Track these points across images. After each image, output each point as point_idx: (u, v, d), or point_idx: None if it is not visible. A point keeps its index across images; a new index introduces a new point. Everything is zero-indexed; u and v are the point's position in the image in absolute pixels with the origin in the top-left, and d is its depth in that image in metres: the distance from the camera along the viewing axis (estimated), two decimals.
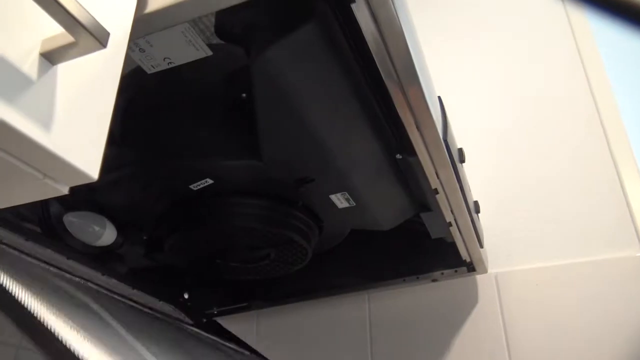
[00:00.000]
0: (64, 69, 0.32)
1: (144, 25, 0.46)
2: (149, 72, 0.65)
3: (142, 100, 0.73)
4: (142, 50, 0.60)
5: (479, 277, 0.99)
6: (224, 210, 0.77)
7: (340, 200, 0.78)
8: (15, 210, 0.74)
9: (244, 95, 0.68)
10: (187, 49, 0.60)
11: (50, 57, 0.30)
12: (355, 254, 0.99)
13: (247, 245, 0.84)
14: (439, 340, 0.98)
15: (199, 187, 0.74)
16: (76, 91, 0.32)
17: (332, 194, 0.77)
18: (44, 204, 0.78)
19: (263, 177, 0.73)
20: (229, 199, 0.76)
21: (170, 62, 0.64)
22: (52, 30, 0.31)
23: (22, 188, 0.33)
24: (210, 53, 0.60)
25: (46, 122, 0.30)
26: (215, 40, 0.65)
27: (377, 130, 0.66)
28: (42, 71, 0.30)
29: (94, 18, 0.29)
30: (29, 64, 0.29)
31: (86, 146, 0.33)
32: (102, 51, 0.31)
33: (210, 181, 0.73)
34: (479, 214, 0.86)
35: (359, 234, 0.92)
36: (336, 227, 0.87)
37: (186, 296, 1.07)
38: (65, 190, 0.34)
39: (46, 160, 0.31)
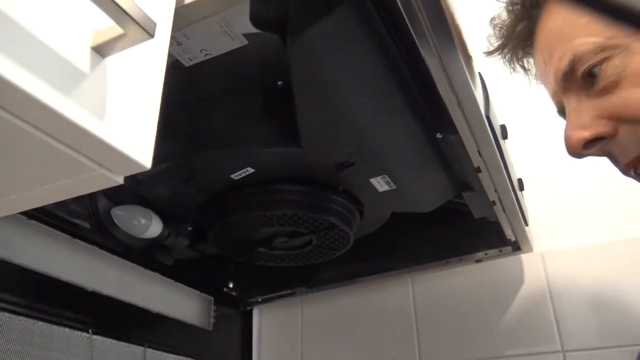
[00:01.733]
0: (113, 61, 0.32)
1: (181, 18, 0.46)
2: (186, 64, 0.66)
3: (179, 94, 0.74)
4: (179, 44, 0.61)
5: (524, 257, 0.97)
6: (265, 198, 0.77)
7: (380, 184, 0.78)
8: (64, 207, 0.76)
9: (280, 82, 0.69)
10: (223, 39, 0.61)
11: (101, 50, 0.31)
12: (396, 238, 0.99)
13: (289, 232, 0.84)
14: (485, 322, 0.97)
15: (240, 177, 0.75)
16: (126, 82, 0.33)
17: (372, 177, 0.76)
18: (92, 199, 0.80)
19: (303, 163, 0.73)
20: (270, 187, 0.77)
21: (206, 54, 0.64)
22: (100, 23, 0.31)
23: (79, 180, 0.34)
24: (245, 42, 0.61)
25: (100, 114, 0.31)
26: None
27: (416, 110, 0.66)
28: (93, 64, 0.31)
29: (141, 9, 0.30)
30: (82, 59, 0.30)
31: (138, 136, 0.33)
32: (149, 42, 0.31)
33: (251, 170, 0.74)
34: (523, 192, 0.84)
35: (400, 217, 0.91)
36: (377, 211, 0.87)
37: (231, 285, 1.09)
38: (120, 180, 0.35)
39: (102, 151, 0.32)
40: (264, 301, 1.15)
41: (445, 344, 0.99)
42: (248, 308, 1.18)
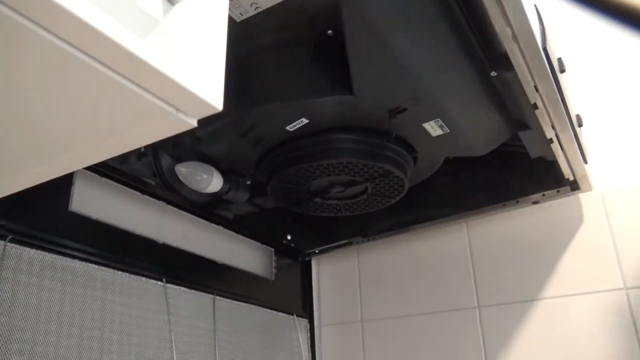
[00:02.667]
0: (182, 8, 0.34)
1: None
2: (238, 20, 0.67)
3: (232, 51, 0.75)
4: None
5: (583, 196, 0.95)
6: (320, 148, 0.79)
7: (433, 128, 0.78)
8: (131, 166, 0.80)
9: (330, 32, 0.69)
10: None
11: None
12: (450, 184, 0.99)
13: (344, 182, 0.86)
14: (543, 263, 0.97)
15: (295, 128, 0.77)
16: (194, 28, 0.35)
17: (426, 122, 0.77)
18: (156, 158, 0.84)
19: (356, 111, 0.74)
20: (324, 137, 0.79)
21: (257, 7, 0.65)
22: None
23: (159, 124, 0.37)
24: None
25: (175, 58, 0.33)
26: None
27: (469, 50, 0.65)
28: (165, 11, 0.33)
29: None
30: (155, 6, 0.32)
31: (209, 79, 0.35)
32: None
33: (305, 121, 0.76)
34: (582, 128, 0.82)
35: (453, 163, 0.91)
36: (430, 157, 0.87)
37: (289, 238, 1.13)
38: (194, 123, 0.37)
39: (178, 94, 0.34)
40: (321, 252, 1.19)
41: (503, 287, 1.00)
42: (307, 259, 1.22)
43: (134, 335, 0.75)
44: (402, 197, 0.91)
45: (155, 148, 0.82)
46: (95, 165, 0.76)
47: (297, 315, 1.12)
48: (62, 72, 0.31)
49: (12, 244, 0.64)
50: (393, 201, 0.92)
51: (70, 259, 0.70)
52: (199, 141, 0.82)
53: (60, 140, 0.39)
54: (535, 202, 0.94)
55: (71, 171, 0.46)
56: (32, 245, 0.66)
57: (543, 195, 0.92)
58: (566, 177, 0.86)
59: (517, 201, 0.94)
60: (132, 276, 0.78)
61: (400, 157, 0.82)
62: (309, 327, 1.15)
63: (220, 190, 0.87)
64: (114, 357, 0.72)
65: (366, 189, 0.88)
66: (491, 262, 1.03)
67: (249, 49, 0.75)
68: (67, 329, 0.67)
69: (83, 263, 0.71)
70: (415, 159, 0.86)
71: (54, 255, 0.68)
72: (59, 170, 0.46)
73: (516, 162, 0.90)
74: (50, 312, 0.66)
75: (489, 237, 1.04)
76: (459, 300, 1.04)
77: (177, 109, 0.36)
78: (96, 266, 0.73)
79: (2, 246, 0.63)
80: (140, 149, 0.80)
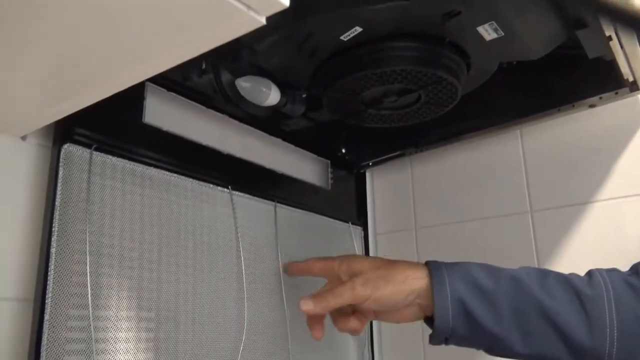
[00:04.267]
0: None
1: None
2: None
3: None
4: None
5: None
6: (374, 57, 0.81)
7: (487, 32, 0.78)
8: (193, 81, 0.85)
9: None
10: None
11: None
12: (504, 91, 0.98)
13: (398, 90, 0.88)
14: (599, 167, 0.97)
15: (348, 37, 0.79)
16: None
17: (479, 25, 0.76)
18: (216, 75, 0.88)
19: (409, 16, 0.75)
20: (378, 45, 0.80)
21: None
22: None
23: (231, 22, 0.40)
24: None
25: None
26: None
27: None
28: None
29: None
30: None
31: None
32: None
33: (359, 29, 0.77)
34: None
35: (506, 70, 0.91)
36: (484, 62, 0.87)
37: (343, 150, 1.17)
38: (263, 21, 0.40)
39: None
40: (375, 164, 1.23)
41: (556, 191, 1.01)
42: (361, 171, 1.26)
43: (205, 234, 0.83)
44: (455, 107, 0.92)
45: (215, 65, 0.86)
46: (162, 80, 0.81)
47: (352, 224, 1.18)
48: None
49: (97, 152, 0.71)
50: (446, 109, 0.93)
51: (147, 167, 0.77)
52: (257, 55, 0.85)
53: (142, 42, 0.44)
54: (591, 106, 0.93)
55: (149, 76, 0.51)
56: (113, 154, 0.73)
57: (600, 98, 0.91)
58: (625, 77, 0.84)
59: (573, 105, 0.93)
60: (202, 183, 0.84)
61: (454, 63, 0.83)
62: (363, 235, 1.21)
63: (278, 103, 0.91)
64: (189, 253, 0.80)
65: (419, 97, 0.90)
66: (544, 167, 1.04)
67: None
68: (148, 227, 0.75)
69: (158, 170, 0.78)
70: (468, 65, 0.87)
71: (132, 163, 0.75)
72: (138, 76, 0.51)
73: (572, 65, 0.89)
74: (133, 212, 0.74)
75: (543, 143, 1.05)
76: (512, 205, 1.06)
77: (249, 7, 0.39)
78: (169, 173, 0.80)
79: (89, 154, 0.70)
80: (201, 65, 0.84)
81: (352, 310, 0.79)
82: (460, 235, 1.12)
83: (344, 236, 1.15)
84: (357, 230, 1.19)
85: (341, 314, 0.79)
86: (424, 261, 0.75)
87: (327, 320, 0.81)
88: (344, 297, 0.73)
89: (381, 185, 1.29)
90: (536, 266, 1.01)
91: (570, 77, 0.92)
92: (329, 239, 1.10)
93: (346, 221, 1.16)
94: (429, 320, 0.72)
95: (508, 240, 1.06)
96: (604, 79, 0.88)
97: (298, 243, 1.01)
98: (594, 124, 0.98)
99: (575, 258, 0.97)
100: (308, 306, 0.74)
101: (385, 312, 0.76)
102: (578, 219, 0.98)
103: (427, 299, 0.70)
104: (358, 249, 1.18)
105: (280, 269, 0.94)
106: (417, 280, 0.71)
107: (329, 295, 0.74)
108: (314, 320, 0.80)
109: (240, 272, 0.87)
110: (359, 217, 1.22)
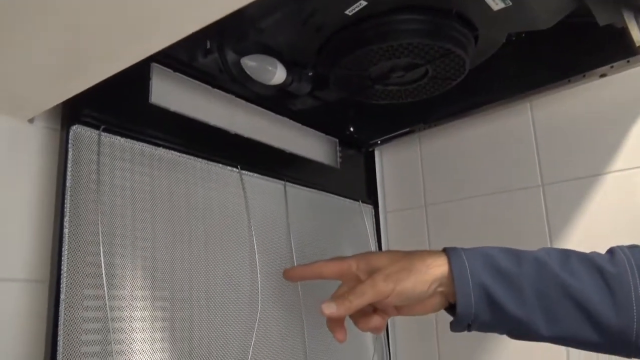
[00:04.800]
0: None
1: None
2: None
3: None
4: None
5: None
6: (379, 30, 0.80)
7: (495, 2, 0.77)
8: (199, 64, 0.85)
9: None
10: None
11: None
12: (512, 64, 0.97)
13: (405, 65, 0.87)
14: (611, 138, 0.96)
15: (353, 12, 0.78)
16: None
17: None
18: (221, 54, 0.87)
19: None
20: (383, 18, 0.79)
21: None
22: None
23: None
24: None
25: None
26: None
27: None
28: None
29: None
30: None
31: None
32: None
33: (363, 3, 0.76)
34: None
35: (514, 43, 0.89)
36: (492, 33, 0.86)
37: (352, 129, 1.17)
38: None
39: None
40: (383, 142, 1.22)
41: (568, 163, 1.00)
42: (370, 149, 1.26)
43: (216, 213, 0.83)
44: (463, 81, 0.91)
45: (220, 44, 0.85)
46: (168, 60, 0.81)
47: (362, 202, 1.18)
48: None
49: (105, 133, 0.71)
50: (454, 83, 0.92)
51: (155, 147, 0.77)
52: (262, 33, 0.84)
53: (150, 11, 0.43)
54: (602, 75, 0.91)
55: (158, 49, 0.51)
56: (121, 135, 0.73)
57: (612, 67, 0.89)
58: (637, 44, 0.82)
59: (584, 75, 0.92)
60: (211, 163, 0.85)
61: (461, 35, 0.82)
62: (373, 213, 1.21)
63: (284, 82, 0.90)
64: (201, 232, 0.80)
65: (426, 72, 0.89)
66: (555, 140, 1.03)
67: None
68: (159, 206, 0.76)
69: (166, 151, 0.78)
70: (476, 37, 0.85)
71: (141, 144, 0.75)
72: (146, 50, 0.51)
73: (582, 34, 0.87)
74: (144, 192, 0.74)
75: (553, 115, 1.03)
76: (523, 179, 1.06)
77: None
78: (178, 153, 0.80)
79: (97, 135, 0.70)
80: (206, 45, 0.84)
81: (372, 309, 0.77)
82: (470, 211, 1.12)
83: (355, 214, 1.15)
84: (367, 209, 1.19)
85: (362, 313, 0.75)
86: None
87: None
88: (366, 295, 0.69)
89: (390, 162, 1.28)
90: (548, 241, 1.00)
91: (580, 47, 0.90)
92: (340, 218, 1.10)
93: (356, 199, 1.16)
94: (451, 308, 0.71)
95: (519, 215, 1.05)
96: (615, 48, 0.86)
97: (309, 222, 1.01)
98: (605, 94, 0.97)
99: (587, 231, 0.97)
100: (331, 309, 0.69)
101: (409, 306, 0.73)
102: (590, 192, 0.97)
103: (450, 286, 0.67)
104: (369, 227, 1.18)
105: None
106: (439, 268, 0.68)
107: (351, 295, 0.69)
108: (334, 322, 0.75)
109: (252, 251, 0.87)
110: (369, 196, 1.22)
